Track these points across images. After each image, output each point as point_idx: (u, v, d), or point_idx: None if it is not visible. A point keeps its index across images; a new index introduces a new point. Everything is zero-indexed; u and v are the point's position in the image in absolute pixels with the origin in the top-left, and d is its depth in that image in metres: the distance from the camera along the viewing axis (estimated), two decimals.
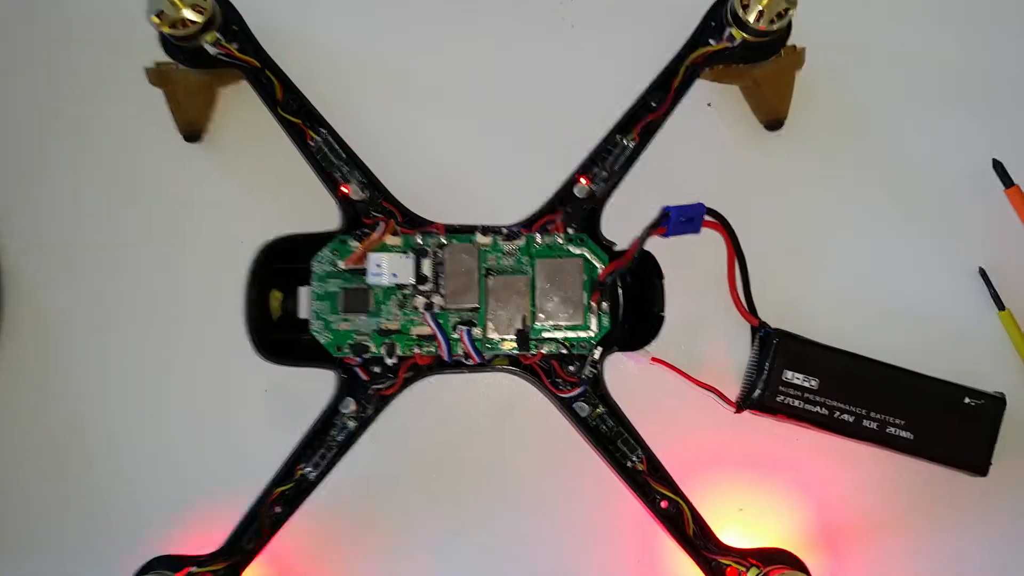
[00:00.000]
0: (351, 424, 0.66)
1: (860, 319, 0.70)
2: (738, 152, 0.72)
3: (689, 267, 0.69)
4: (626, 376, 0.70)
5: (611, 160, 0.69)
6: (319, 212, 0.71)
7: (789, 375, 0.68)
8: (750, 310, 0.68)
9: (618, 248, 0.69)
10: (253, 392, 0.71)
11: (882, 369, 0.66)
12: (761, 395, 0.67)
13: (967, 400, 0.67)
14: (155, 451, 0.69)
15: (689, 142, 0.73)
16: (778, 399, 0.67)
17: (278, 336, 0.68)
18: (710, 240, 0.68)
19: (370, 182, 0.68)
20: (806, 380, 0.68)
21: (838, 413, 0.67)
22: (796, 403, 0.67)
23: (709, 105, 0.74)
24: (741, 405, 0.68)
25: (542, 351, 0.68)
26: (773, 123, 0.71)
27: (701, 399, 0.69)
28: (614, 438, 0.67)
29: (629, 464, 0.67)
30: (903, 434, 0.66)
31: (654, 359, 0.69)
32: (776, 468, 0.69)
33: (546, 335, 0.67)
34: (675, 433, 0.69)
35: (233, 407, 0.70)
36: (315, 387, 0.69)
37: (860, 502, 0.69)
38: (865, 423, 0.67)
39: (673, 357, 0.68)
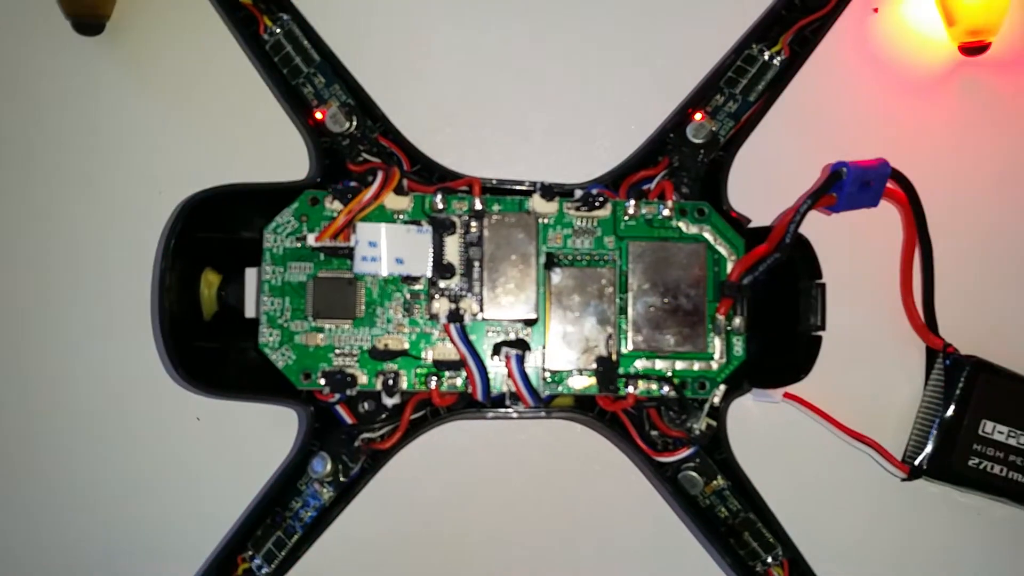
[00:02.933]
0: (325, 493, 0.45)
1: None
2: (915, 85, 0.52)
3: (833, 258, 0.47)
4: (743, 421, 0.49)
5: (745, 84, 0.47)
6: (278, 151, 0.49)
7: (988, 427, 0.47)
8: (929, 326, 0.49)
9: (754, 225, 0.47)
10: (179, 422, 0.50)
11: None
12: (943, 455, 0.47)
13: None
14: (33, 516, 0.50)
15: (839, 68, 0.52)
16: (970, 462, 0.47)
17: (210, 346, 0.46)
18: (863, 218, 0.48)
19: (360, 104, 0.46)
20: (1011, 435, 0.47)
21: None
22: (995, 468, 0.47)
23: (875, 11, 0.52)
24: (913, 468, 0.48)
25: (635, 392, 0.45)
26: (972, 46, 0.49)
27: (854, 458, 0.49)
28: (739, 528, 0.45)
29: (760, 568, 0.45)
30: None
31: (788, 395, 0.49)
32: (959, 560, 0.50)
33: (641, 365, 0.45)
34: (814, 507, 0.50)
35: (150, 445, 0.50)
36: (276, 424, 0.50)
37: None
38: None
39: (812, 394, 0.48)
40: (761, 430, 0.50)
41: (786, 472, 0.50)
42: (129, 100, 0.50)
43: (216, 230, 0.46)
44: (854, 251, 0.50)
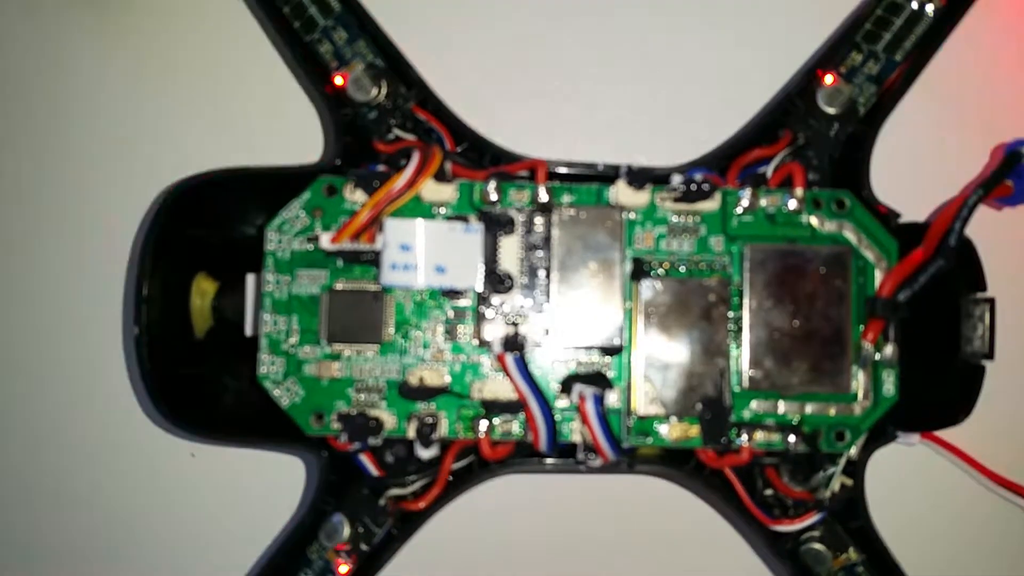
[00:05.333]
0: (342, 566, 0.34)
1: None
2: None
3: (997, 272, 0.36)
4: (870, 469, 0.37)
5: (889, 40, 0.36)
6: (287, 127, 0.40)
7: None
8: None
9: (905, 220, 0.36)
10: (167, 460, 0.40)
11: None
12: None
13: None
14: None
15: (1009, 21, 0.41)
16: None
17: (199, 372, 0.36)
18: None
19: (391, 66, 0.36)
20: None
21: None
22: None
23: None
24: None
25: (751, 445, 0.33)
26: None
27: (1007, 514, 0.40)
28: None
29: None
30: None
31: (926, 436, 0.38)
32: None
33: (759, 408, 0.34)
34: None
35: (131, 489, 0.40)
36: (288, 464, 0.40)
37: None
38: None
39: (955, 434, 0.38)
40: (890, 479, 0.40)
41: (921, 532, 0.41)
42: (107, 71, 0.41)
43: (210, 227, 0.37)
44: (1007, 256, 0.40)
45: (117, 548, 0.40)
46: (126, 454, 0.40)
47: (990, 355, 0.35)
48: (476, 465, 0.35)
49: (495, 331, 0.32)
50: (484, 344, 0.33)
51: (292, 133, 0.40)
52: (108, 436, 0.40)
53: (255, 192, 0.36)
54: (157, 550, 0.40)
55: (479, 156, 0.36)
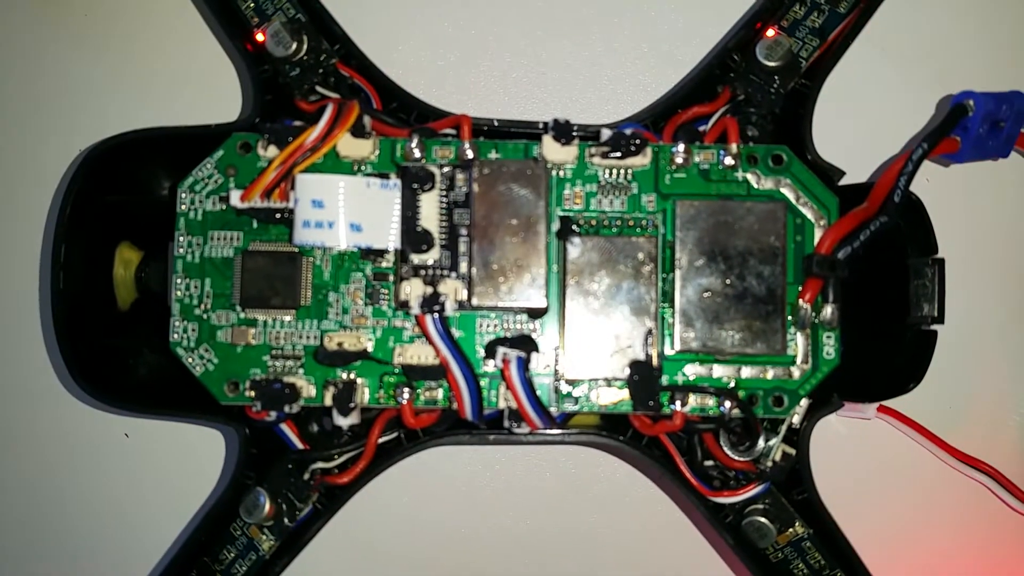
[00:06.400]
0: (265, 542, 0.33)
1: None
2: None
3: (948, 233, 0.34)
4: (820, 442, 0.35)
5: None
6: (206, 85, 0.38)
7: None
8: None
9: (846, 181, 0.34)
10: (103, 440, 0.39)
11: None
12: None
13: None
14: None
15: None
16: None
17: (122, 344, 0.34)
18: (983, 174, 0.38)
19: (313, 20, 0.34)
20: None
21: None
22: None
23: None
24: None
25: (684, 410, 0.31)
26: None
27: (965, 489, 0.38)
28: None
29: None
30: None
31: (882, 409, 0.37)
32: None
33: (692, 373, 0.32)
34: (913, 554, 0.38)
35: (61, 469, 0.38)
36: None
37: None
38: None
39: (912, 405, 0.36)
40: (844, 454, 0.39)
41: (876, 509, 0.39)
42: (17, 33, 0.39)
43: (130, 192, 0.35)
44: (968, 217, 0.39)
45: (38, 525, 0.38)
46: (50, 431, 0.38)
47: (940, 319, 0.33)
48: (404, 437, 0.33)
49: (414, 291, 0.30)
50: (402, 306, 0.31)
51: (216, 96, 0.38)
52: (31, 413, 0.38)
53: (172, 154, 0.34)
54: (84, 528, 0.38)
55: (407, 115, 0.34)
